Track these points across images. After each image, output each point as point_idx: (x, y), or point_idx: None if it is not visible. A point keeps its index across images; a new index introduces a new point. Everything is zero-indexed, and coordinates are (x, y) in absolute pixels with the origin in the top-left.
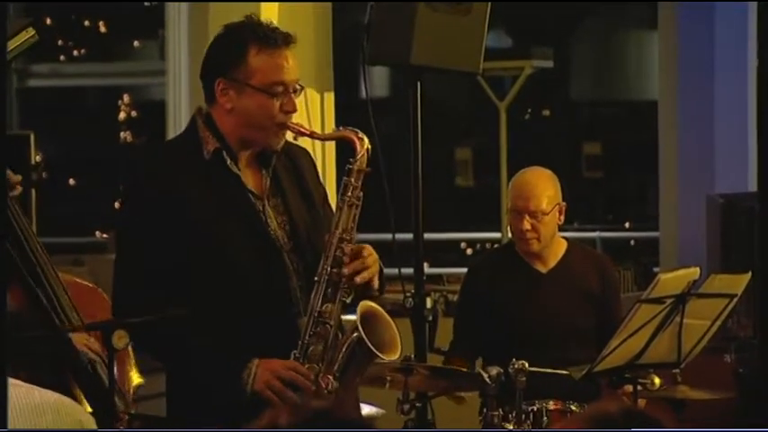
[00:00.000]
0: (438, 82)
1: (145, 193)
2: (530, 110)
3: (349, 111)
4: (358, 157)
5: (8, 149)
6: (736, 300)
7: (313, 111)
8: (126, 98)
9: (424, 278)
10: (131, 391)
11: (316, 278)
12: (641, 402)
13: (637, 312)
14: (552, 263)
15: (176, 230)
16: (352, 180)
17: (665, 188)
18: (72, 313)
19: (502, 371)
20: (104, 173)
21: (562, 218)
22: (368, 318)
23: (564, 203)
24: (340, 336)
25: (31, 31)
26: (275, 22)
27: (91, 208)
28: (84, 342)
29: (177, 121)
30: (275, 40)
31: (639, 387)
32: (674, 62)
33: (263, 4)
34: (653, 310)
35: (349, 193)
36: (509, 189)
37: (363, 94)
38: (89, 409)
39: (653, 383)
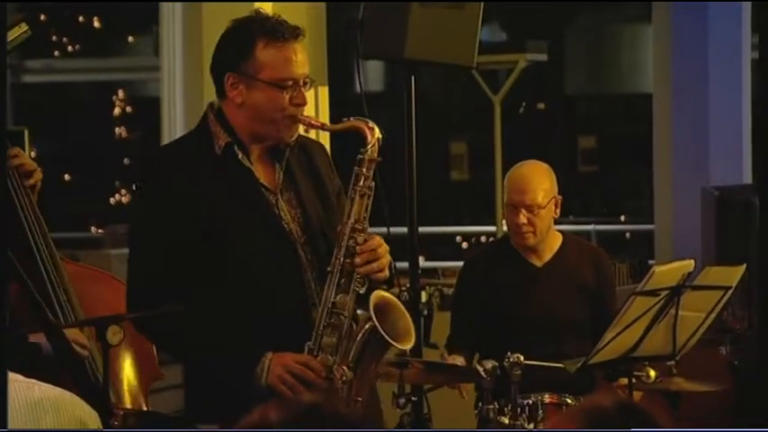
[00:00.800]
0: (433, 76)
1: (158, 189)
2: (524, 104)
3: (343, 105)
4: (369, 146)
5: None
6: (730, 292)
7: (307, 105)
8: (120, 94)
9: (420, 272)
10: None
11: (329, 269)
12: (636, 395)
13: (632, 305)
14: (548, 256)
15: (189, 225)
16: (364, 170)
17: (659, 181)
18: (78, 310)
19: (497, 364)
20: (99, 168)
21: (558, 211)
22: (381, 307)
23: (559, 197)
24: (354, 326)
25: (23, 27)
26: None
27: (86, 203)
28: (73, 338)
29: (172, 117)
30: (283, 33)
31: (635, 380)
32: (669, 56)
33: (256, 3)
34: (648, 303)
35: (360, 183)
36: (505, 183)
37: (358, 88)
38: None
39: (648, 376)
